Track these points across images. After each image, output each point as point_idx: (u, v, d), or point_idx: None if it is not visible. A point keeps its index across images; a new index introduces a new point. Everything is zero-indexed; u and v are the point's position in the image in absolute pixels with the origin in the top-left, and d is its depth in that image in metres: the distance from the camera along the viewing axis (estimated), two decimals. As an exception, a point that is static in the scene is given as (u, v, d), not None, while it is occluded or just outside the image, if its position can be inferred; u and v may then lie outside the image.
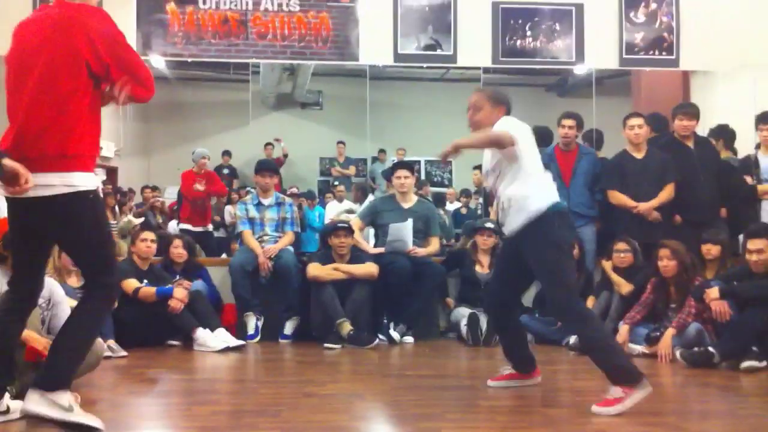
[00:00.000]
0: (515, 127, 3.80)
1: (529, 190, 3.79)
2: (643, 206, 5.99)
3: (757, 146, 6.32)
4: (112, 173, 9.34)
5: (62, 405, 2.99)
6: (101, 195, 3.23)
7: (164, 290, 5.63)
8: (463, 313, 6.07)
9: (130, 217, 8.12)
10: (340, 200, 9.67)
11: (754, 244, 4.95)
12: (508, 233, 3.93)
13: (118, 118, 8.65)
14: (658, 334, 5.18)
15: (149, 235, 5.93)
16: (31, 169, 2.90)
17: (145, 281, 5.73)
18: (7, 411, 3.20)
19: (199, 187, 8.04)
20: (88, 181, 3.06)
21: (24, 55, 3.07)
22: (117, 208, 8.60)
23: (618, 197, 6.10)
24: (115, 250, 3.66)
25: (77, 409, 3.05)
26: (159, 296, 5.60)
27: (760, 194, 6.16)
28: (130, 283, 5.63)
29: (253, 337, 5.99)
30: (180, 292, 5.60)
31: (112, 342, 5.20)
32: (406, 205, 6.49)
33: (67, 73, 3.00)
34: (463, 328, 5.93)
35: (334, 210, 9.18)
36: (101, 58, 3.01)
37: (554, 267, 3.76)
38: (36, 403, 2.97)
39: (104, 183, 8.67)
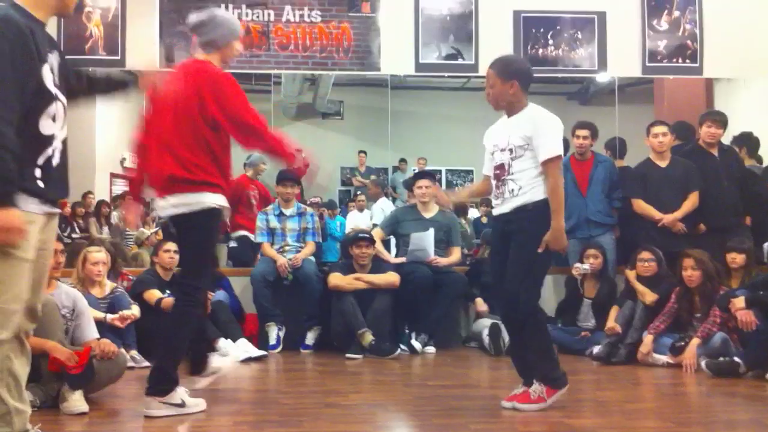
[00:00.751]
0: (556, 136, 3.76)
1: (541, 178, 3.76)
2: (668, 218, 5.94)
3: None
4: (135, 184, 9.39)
5: (176, 403, 3.71)
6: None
7: None
8: (485, 324, 6.04)
9: (142, 228, 8.14)
10: (361, 210, 9.67)
11: (779, 252, 4.90)
12: (501, 213, 3.88)
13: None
14: (683, 344, 5.14)
15: (172, 246, 5.95)
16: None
17: (168, 292, 5.75)
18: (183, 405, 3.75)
19: (253, 201, 7.95)
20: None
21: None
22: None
23: (642, 206, 6.06)
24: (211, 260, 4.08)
25: (188, 400, 3.77)
26: None
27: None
28: (153, 294, 5.66)
29: (274, 347, 6.00)
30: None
31: (135, 352, 5.23)
32: (427, 215, 6.48)
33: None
34: (485, 338, 5.90)
35: (354, 220, 9.18)
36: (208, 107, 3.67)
37: (530, 259, 3.72)
38: (156, 408, 3.67)
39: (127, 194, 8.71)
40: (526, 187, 3.75)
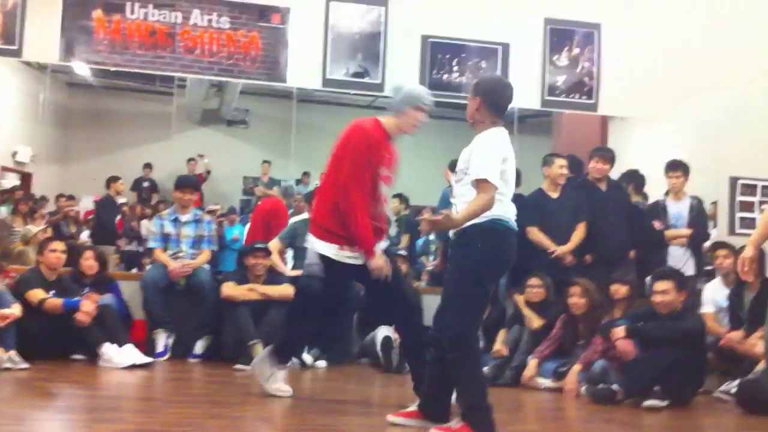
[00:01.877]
0: (493, 160, 3.51)
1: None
2: (560, 251, 6.13)
3: (667, 193, 6.57)
4: (26, 179, 9.05)
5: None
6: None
7: (71, 302, 5.46)
8: (377, 338, 6.07)
9: (29, 226, 7.86)
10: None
11: (659, 285, 5.13)
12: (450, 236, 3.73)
13: (36, 122, 8.43)
14: (565, 369, 5.30)
15: (59, 246, 5.76)
16: None
17: (52, 292, 5.55)
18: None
19: None
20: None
21: None
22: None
23: (536, 235, 6.23)
24: None
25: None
26: (66, 308, 5.43)
27: (667, 239, 6.40)
28: (36, 294, 5.45)
29: (162, 354, 5.86)
30: (88, 305, 5.44)
31: (13, 353, 5.01)
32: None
33: None
34: (379, 352, 5.93)
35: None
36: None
37: (462, 289, 3.55)
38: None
39: (17, 188, 8.40)
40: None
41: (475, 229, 3.49)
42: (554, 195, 6.35)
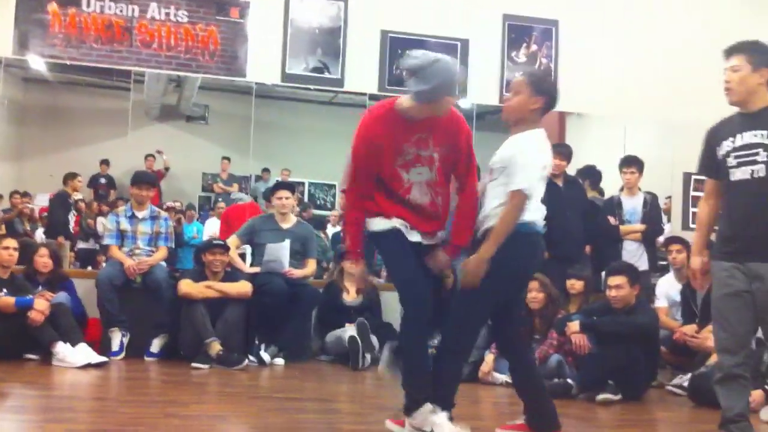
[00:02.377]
0: (535, 170, 3.39)
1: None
2: None
3: (621, 188, 6.66)
4: (-22, 176, 8.86)
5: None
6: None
7: (24, 301, 5.38)
8: (342, 336, 6.06)
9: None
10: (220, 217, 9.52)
11: (614, 280, 5.20)
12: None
13: (-12, 118, 8.27)
14: (521, 364, 5.33)
15: (11, 243, 5.66)
16: None
17: (4, 290, 5.46)
18: None
19: None
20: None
21: None
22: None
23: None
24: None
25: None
26: (18, 307, 5.34)
27: (622, 234, 6.48)
28: None
29: (117, 353, 5.79)
30: (41, 304, 5.36)
31: (-38, 353, 4.93)
32: (285, 226, 6.47)
33: None
34: (347, 345, 5.93)
35: (212, 227, 9.03)
36: None
37: (481, 288, 3.37)
38: None
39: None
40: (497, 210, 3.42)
41: (520, 233, 3.38)
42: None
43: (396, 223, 3.53)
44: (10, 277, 5.63)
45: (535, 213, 3.45)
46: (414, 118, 3.51)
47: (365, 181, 3.56)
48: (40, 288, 5.67)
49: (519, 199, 3.31)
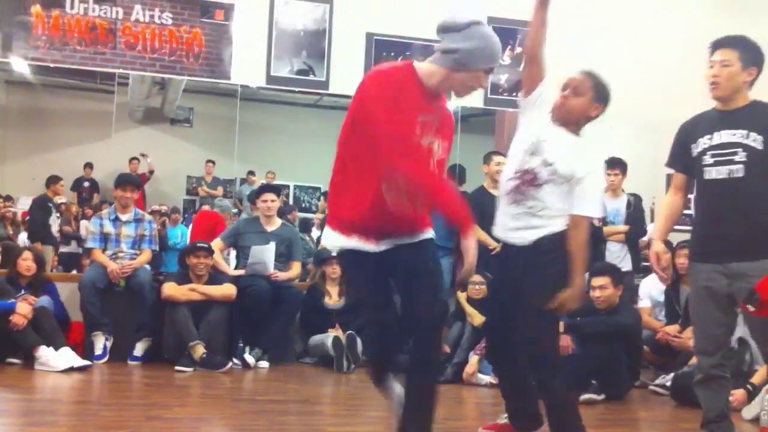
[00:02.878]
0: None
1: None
2: (499, 248, 6.18)
3: (605, 190, 6.68)
4: (-40, 179, 8.83)
5: None
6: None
7: (6, 305, 5.33)
8: (325, 339, 6.05)
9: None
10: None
11: (597, 281, 5.22)
12: (517, 242, 3.35)
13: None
14: (505, 365, 5.35)
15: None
16: None
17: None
18: None
19: None
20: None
21: None
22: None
23: (478, 233, 6.29)
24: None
25: None
26: (0, 311, 5.30)
27: (605, 235, 6.51)
28: None
29: (100, 357, 5.75)
30: (23, 308, 5.32)
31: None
32: (269, 228, 6.45)
33: None
34: (331, 351, 5.92)
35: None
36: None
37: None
38: None
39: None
40: (558, 211, 3.26)
41: (559, 236, 3.23)
42: (495, 192, 6.41)
43: (352, 243, 3.01)
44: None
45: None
46: (433, 89, 2.94)
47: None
48: (22, 291, 5.62)
49: (587, 223, 3.25)
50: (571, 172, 3.23)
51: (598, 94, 3.39)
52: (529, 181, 3.29)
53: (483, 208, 6.32)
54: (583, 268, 3.20)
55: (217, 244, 6.35)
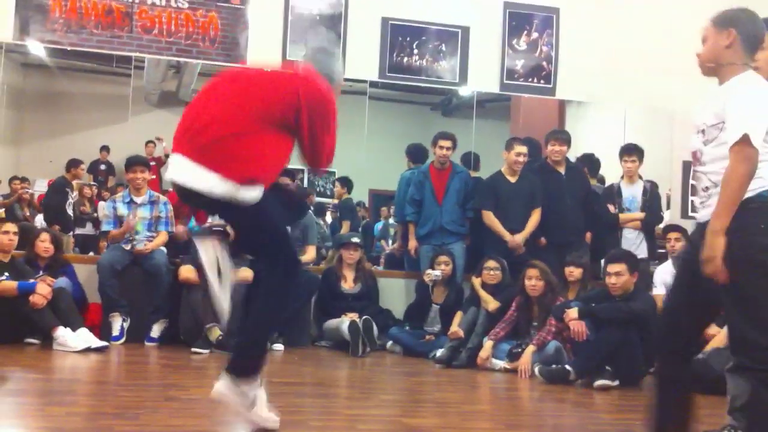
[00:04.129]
0: (760, 115, 2.60)
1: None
2: (513, 241, 6.22)
3: (622, 176, 6.67)
4: (-22, 161, 8.88)
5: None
6: None
7: (26, 285, 5.39)
8: (341, 323, 6.08)
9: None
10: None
11: (613, 267, 5.22)
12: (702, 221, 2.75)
13: (-12, 104, 8.28)
14: (519, 350, 5.37)
15: (11, 227, 5.67)
16: None
17: (6, 275, 5.47)
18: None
19: None
20: None
21: None
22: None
23: (492, 221, 6.32)
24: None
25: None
26: (20, 291, 5.36)
27: (621, 222, 6.50)
28: None
29: (117, 338, 5.81)
30: (43, 288, 5.38)
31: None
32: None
33: None
34: (347, 336, 5.95)
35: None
36: None
37: (753, 292, 2.56)
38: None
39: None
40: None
41: (751, 205, 2.58)
42: (512, 179, 6.42)
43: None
44: (11, 261, 5.64)
45: None
46: None
47: None
48: (41, 273, 5.68)
49: (743, 150, 2.54)
50: (713, 115, 2.75)
51: (721, 22, 2.86)
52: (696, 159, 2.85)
53: (498, 193, 6.35)
54: (728, 211, 2.54)
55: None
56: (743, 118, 2.59)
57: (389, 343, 6.27)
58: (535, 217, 6.35)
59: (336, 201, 9.15)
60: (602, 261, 6.14)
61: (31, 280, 5.46)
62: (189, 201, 3.50)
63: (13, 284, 5.39)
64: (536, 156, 6.82)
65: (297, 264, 3.49)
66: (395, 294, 6.84)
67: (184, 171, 3.22)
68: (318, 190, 10.95)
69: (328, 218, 9.80)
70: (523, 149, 6.43)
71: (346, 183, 8.85)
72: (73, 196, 8.50)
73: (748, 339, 2.59)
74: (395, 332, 6.23)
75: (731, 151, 2.58)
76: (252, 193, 3.14)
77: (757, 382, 2.60)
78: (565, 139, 6.51)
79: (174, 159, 3.30)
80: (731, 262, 2.54)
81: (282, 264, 3.36)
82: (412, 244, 6.70)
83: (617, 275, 5.19)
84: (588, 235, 6.62)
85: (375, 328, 6.05)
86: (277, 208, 3.34)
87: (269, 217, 3.29)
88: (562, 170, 6.51)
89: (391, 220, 8.47)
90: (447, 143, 6.64)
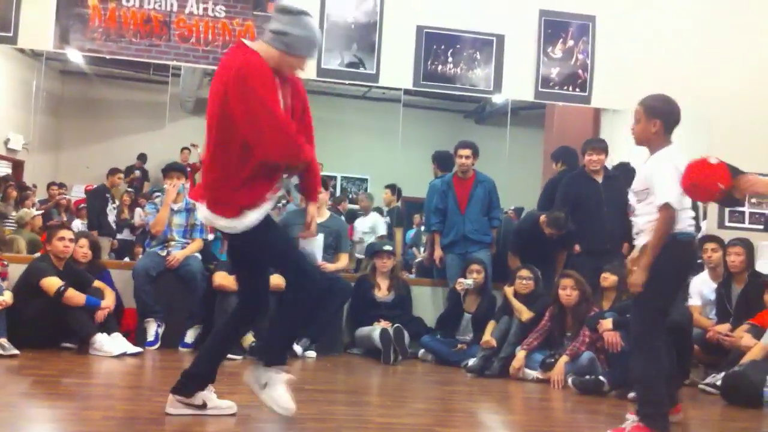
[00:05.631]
0: (673, 183, 3.59)
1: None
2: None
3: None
4: (18, 167, 9.03)
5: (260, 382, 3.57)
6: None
7: (93, 301, 5.54)
8: (373, 330, 6.09)
9: (27, 209, 7.87)
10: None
11: (648, 278, 5.16)
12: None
13: (29, 110, 8.42)
14: (552, 360, 5.33)
15: (67, 234, 5.72)
16: None
17: (64, 284, 5.54)
18: (204, 406, 3.65)
19: None
20: None
21: None
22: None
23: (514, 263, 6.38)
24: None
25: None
26: (87, 305, 5.49)
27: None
28: (52, 282, 5.43)
29: (152, 344, 5.88)
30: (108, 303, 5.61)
31: (4, 340, 5.04)
32: (318, 220, 6.48)
33: None
34: (378, 344, 5.96)
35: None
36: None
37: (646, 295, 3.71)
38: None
39: (8, 178, 8.39)
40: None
41: (669, 240, 3.63)
42: (597, 178, 6.42)
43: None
44: (66, 267, 5.68)
45: (686, 221, 3.69)
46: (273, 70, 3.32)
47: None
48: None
49: (667, 210, 3.58)
50: (641, 183, 3.77)
51: (649, 112, 3.77)
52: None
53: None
54: (654, 254, 3.62)
55: None
56: (665, 190, 3.59)
57: (421, 352, 6.27)
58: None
59: (387, 208, 9.15)
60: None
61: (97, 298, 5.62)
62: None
63: (81, 298, 5.47)
64: (573, 165, 6.77)
65: (304, 276, 3.53)
66: (426, 302, 6.85)
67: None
68: (350, 196, 10.99)
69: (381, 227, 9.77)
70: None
71: (396, 190, 8.84)
72: (114, 203, 8.62)
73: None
74: (427, 341, 6.23)
75: (659, 211, 3.60)
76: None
77: None
78: (603, 148, 6.47)
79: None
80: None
81: (289, 278, 3.60)
82: (438, 253, 6.72)
83: (653, 286, 5.12)
84: (626, 245, 6.55)
85: (407, 336, 6.05)
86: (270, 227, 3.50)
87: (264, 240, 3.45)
88: (599, 179, 6.46)
89: (422, 228, 8.46)
90: (466, 152, 6.65)
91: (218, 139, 3.31)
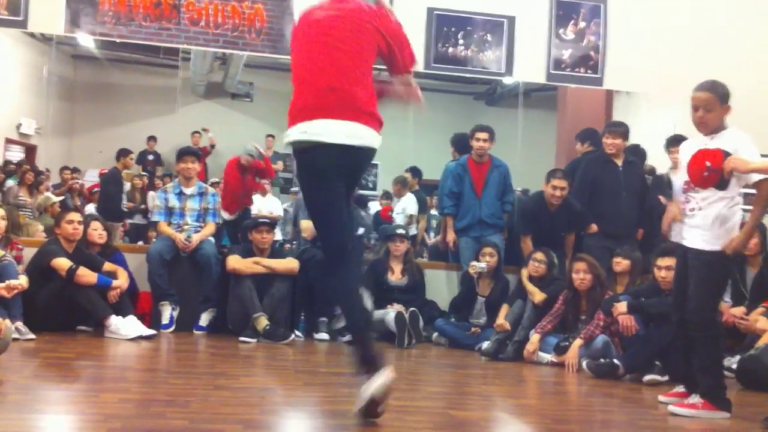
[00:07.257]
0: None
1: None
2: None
3: (671, 167, 6.56)
4: (31, 152, 9.06)
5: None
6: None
7: (105, 281, 5.55)
8: (388, 314, 6.09)
9: (48, 194, 7.91)
10: (264, 195, 9.61)
11: (663, 261, 5.13)
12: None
13: (40, 95, 8.43)
14: (567, 344, 5.33)
15: (75, 217, 5.75)
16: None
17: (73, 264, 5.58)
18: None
19: None
20: None
21: None
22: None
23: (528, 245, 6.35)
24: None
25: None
26: (99, 285, 5.50)
27: (673, 214, 6.40)
28: (63, 262, 5.46)
29: (167, 327, 5.91)
30: (121, 283, 5.62)
31: (20, 324, 5.06)
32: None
33: None
34: (393, 327, 5.97)
35: (258, 205, 9.12)
36: None
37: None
38: None
39: (21, 163, 8.41)
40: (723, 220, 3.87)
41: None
42: (618, 162, 6.42)
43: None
44: (76, 250, 5.69)
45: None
46: None
47: None
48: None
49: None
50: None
51: (723, 98, 3.90)
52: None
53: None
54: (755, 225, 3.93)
55: (307, 224, 6.44)
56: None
57: (435, 335, 6.27)
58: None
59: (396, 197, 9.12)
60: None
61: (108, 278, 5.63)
62: (353, 164, 3.49)
63: (93, 276, 5.49)
64: (599, 146, 6.71)
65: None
66: (439, 285, 6.85)
67: (361, 133, 3.39)
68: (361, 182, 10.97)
69: (372, 209, 9.80)
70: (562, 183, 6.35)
71: (418, 173, 8.79)
72: (126, 187, 8.64)
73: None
74: (441, 324, 6.23)
75: (760, 185, 3.79)
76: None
77: None
78: (620, 132, 6.41)
79: (336, 125, 3.37)
80: None
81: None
82: (450, 236, 6.71)
83: (667, 269, 5.09)
84: (640, 232, 6.53)
85: (421, 320, 6.05)
86: None
87: None
88: (619, 162, 6.42)
89: (433, 211, 8.44)
90: (484, 135, 6.62)
91: (368, 63, 3.50)
